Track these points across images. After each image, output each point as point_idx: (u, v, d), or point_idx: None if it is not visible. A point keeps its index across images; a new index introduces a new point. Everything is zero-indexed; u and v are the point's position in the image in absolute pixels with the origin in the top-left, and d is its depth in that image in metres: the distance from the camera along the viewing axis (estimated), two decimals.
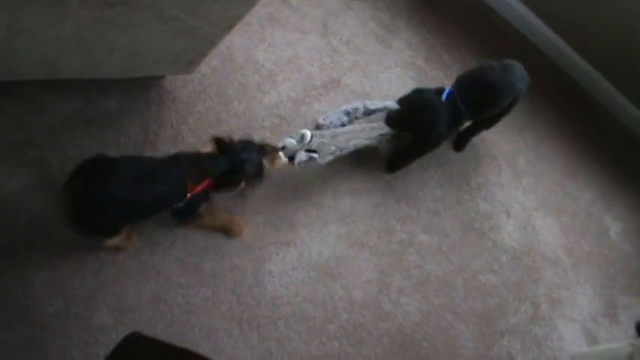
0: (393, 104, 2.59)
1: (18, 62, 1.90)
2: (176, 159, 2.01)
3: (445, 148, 2.99)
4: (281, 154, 2.32)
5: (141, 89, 2.39)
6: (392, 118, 2.53)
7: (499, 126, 3.12)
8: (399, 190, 2.78)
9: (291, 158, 2.34)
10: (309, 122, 2.66)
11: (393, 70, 3.03)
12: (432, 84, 3.06)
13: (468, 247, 2.85)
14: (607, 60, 3.56)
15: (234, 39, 2.65)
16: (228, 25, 1.98)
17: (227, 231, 2.32)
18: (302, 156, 2.32)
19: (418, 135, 2.60)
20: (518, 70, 2.73)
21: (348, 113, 2.60)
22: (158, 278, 2.18)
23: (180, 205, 2.04)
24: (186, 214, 2.15)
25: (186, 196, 2.00)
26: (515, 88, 2.69)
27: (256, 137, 2.38)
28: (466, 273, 2.78)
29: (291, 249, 2.43)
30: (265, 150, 2.24)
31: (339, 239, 2.54)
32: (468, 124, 2.89)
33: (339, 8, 3.02)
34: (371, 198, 2.69)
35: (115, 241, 2.01)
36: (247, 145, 2.18)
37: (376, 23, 3.10)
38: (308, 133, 2.31)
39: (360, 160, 2.71)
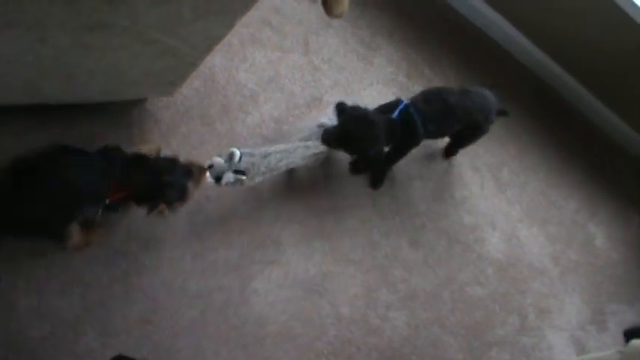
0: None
1: None
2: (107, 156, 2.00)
3: (429, 163, 3.01)
4: (208, 173, 2.24)
5: (123, 112, 2.40)
6: (328, 136, 2.45)
7: (482, 138, 3.15)
8: (384, 205, 2.80)
9: (219, 178, 2.26)
10: (292, 141, 2.66)
11: (374, 87, 3.05)
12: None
13: (453, 260, 2.87)
14: (586, 69, 3.59)
15: (216, 60, 2.67)
16: (209, 46, 1.99)
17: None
18: (229, 177, 2.24)
19: (357, 153, 2.59)
20: (480, 98, 2.71)
21: (321, 126, 2.61)
22: (145, 300, 2.19)
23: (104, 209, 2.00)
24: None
25: (104, 198, 1.95)
26: (469, 114, 2.67)
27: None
28: (453, 286, 2.80)
29: (277, 267, 2.44)
30: (191, 171, 2.16)
31: (324, 256, 2.55)
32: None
33: (319, 27, 3.04)
34: (355, 214, 2.71)
35: (75, 239, 1.99)
36: (172, 165, 2.10)
37: (357, 41, 3.13)
38: (237, 152, 2.24)
39: (343, 176, 2.74)
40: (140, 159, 2.06)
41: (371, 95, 3.00)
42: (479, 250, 2.97)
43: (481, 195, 3.11)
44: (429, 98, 2.61)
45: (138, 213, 2.20)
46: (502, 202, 3.17)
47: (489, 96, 2.75)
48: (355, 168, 2.77)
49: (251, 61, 2.78)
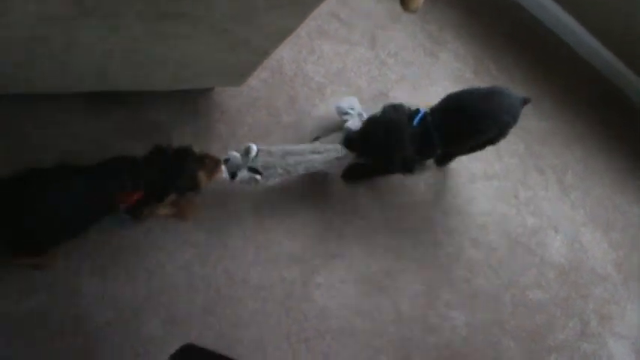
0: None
1: (70, 74, 1.92)
2: (106, 168, 1.90)
3: (493, 161, 2.96)
4: (223, 167, 2.17)
5: (190, 101, 2.41)
6: (352, 141, 2.35)
7: (546, 139, 3.09)
8: (447, 203, 2.77)
9: (234, 174, 2.20)
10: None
11: (441, 83, 3.02)
12: None
13: (515, 262, 2.82)
14: None
15: (284, 51, 2.66)
16: (280, 38, 1.98)
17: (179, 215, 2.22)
18: (244, 175, 2.19)
19: (379, 161, 2.41)
20: (506, 99, 2.44)
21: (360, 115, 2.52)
22: (207, 290, 2.20)
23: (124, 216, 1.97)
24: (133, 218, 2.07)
25: (117, 207, 1.91)
26: (496, 120, 2.43)
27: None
28: (514, 288, 2.76)
29: (340, 261, 2.43)
30: (204, 162, 2.08)
31: (387, 252, 2.53)
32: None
33: (387, 21, 3.01)
34: (418, 211, 2.68)
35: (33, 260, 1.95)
36: (184, 154, 2.02)
37: (424, 36, 3.10)
38: (254, 147, 2.17)
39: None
40: (151, 156, 1.99)
41: (437, 92, 2.94)
42: (541, 253, 2.91)
43: (545, 197, 3.06)
44: (449, 107, 2.42)
45: (203, 204, 2.22)
46: (566, 206, 3.11)
47: (513, 93, 2.49)
48: (349, 175, 2.58)
49: (319, 53, 2.77)
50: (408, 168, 2.39)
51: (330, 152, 2.35)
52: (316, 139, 2.52)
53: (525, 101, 2.52)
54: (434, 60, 3.07)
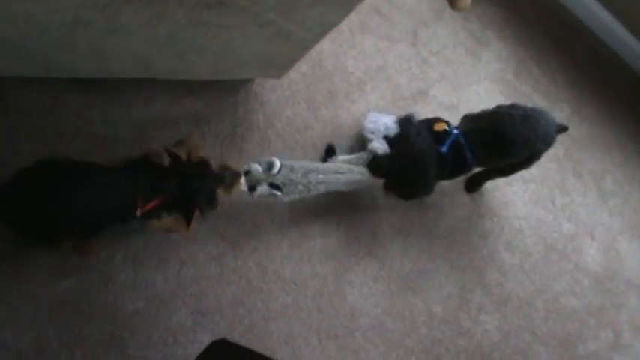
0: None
1: (110, 60, 1.93)
2: (128, 170, 1.85)
3: (531, 168, 2.90)
4: (243, 180, 2.10)
5: (229, 91, 2.41)
6: (376, 166, 2.28)
7: (586, 144, 3.04)
8: (483, 205, 2.74)
9: (253, 188, 2.13)
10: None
11: (482, 83, 2.98)
12: (520, 99, 2.99)
13: (549, 267, 2.79)
14: None
15: (324, 45, 2.64)
16: (323, 32, 1.96)
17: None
18: (264, 189, 2.11)
19: (402, 191, 2.37)
20: (542, 124, 2.34)
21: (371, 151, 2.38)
22: (239, 282, 2.20)
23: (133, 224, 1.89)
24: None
25: (134, 213, 1.82)
26: (529, 146, 2.35)
27: (342, 144, 2.40)
28: (547, 294, 2.72)
29: (373, 260, 2.42)
30: (223, 177, 2.01)
31: (421, 252, 2.52)
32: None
33: (429, 18, 2.98)
34: (455, 212, 2.66)
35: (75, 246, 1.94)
36: (203, 170, 1.96)
37: (466, 34, 3.06)
38: (277, 163, 2.08)
39: None
40: (170, 166, 1.91)
41: (477, 92, 2.93)
42: (576, 260, 2.87)
43: (582, 203, 3.01)
44: (483, 127, 2.34)
45: (239, 198, 2.19)
46: (603, 213, 3.05)
47: (550, 119, 2.41)
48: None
49: (359, 48, 2.74)
50: (428, 193, 2.40)
51: (354, 174, 2.28)
52: (329, 149, 2.49)
53: (561, 129, 2.44)
54: (475, 60, 3.03)
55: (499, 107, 2.41)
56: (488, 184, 2.73)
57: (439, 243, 2.57)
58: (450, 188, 2.68)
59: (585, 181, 3.06)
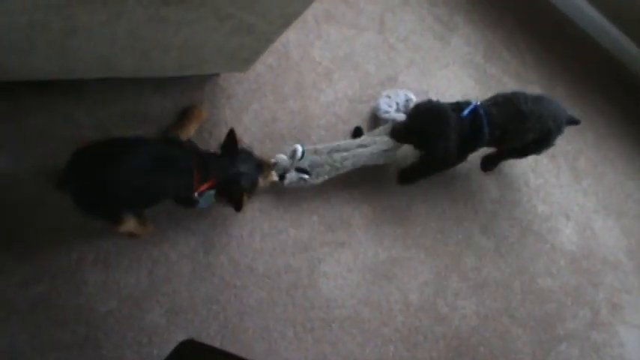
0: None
1: (72, 60, 1.90)
2: (187, 150, 2.03)
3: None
4: (273, 171, 2.27)
5: (195, 87, 2.39)
6: (397, 130, 2.36)
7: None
8: (457, 190, 2.73)
9: (282, 176, 2.28)
10: (365, 120, 2.63)
11: (450, 67, 2.97)
12: (490, 82, 3.00)
13: (525, 249, 2.78)
14: None
15: (290, 36, 2.62)
16: (285, 23, 1.95)
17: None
18: (292, 176, 2.26)
19: (426, 149, 2.43)
20: (554, 105, 2.53)
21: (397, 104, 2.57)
22: (212, 278, 2.19)
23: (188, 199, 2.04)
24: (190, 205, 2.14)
25: (192, 190, 1.98)
26: (542, 122, 2.47)
27: (312, 135, 2.39)
28: (524, 276, 2.72)
29: (347, 250, 2.40)
30: (262, 165, 2.21)
31: (395, 240, 2.50)
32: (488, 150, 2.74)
33: (395, 4, 2.97)
34: (428, 198, 2.65)
35: (128, 226, 1.98)
36: (247, 158, 2.14)
37: (433, 19, 3.04)
38: (300, 148, 2.24)
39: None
40: (232, 140, 2.09)
41: (446, 76, 2.92)
42: (552, 241, 2.87)
43: (556, 184, 3.01)
44: (499, 102, 2.46)
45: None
46: (578, 193, 3.06)
47: (561, 105, 2.58)
48: (404, 177, 2.63)
49: (326, 38, 2.73)
50: (449, 157, 2.42)
51: (378, 145, 2.39)
52: (357, 129, 2.55)
53: (572, 120, 2.62)
54: (443, 44, 3.02)
55: (515, 91, 2.53)
56: (461, 170, 2.73)
57: (413, 230, 2.55)
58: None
59: (558, 162, 3.06)
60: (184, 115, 2.29)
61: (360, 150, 2.36)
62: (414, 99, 2.61)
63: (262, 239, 2.29)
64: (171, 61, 2.08)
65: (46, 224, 2.04)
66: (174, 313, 2.10)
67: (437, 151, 2.33)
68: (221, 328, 2.14)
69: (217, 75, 2.44)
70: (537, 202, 2.92)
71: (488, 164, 2.84)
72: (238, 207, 2.11)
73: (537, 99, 2.49)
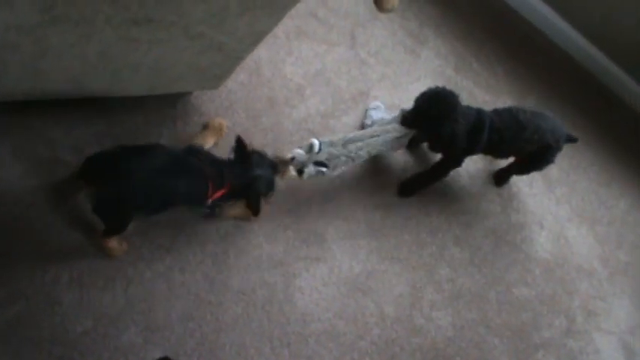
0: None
1: (45, 81, 1.90)
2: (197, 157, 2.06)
3: (476, 162, 2.94)
4: (291, 167, 2.29)
5: (167, 105, 2.39)
6: (407, 117, 2.45)
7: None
8: (430, 202, 2.75)
9: (301, 171, 2.31)
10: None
11: (422, 80, 2.99)
12: (461, 94, 2.97)
13: (500, 259, 2.81)
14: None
15: (262, 52, 2.63)
16: (255, 40, 1.97)
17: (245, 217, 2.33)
18: (311, 170, 2.29)
19: (434, 132, 2.49)
20: (552, 120, 2.66)
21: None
22: (187, 296, 2.18)
23: (206, 209, 2.12)
24: (210, 215, 2.21)
25: (206, 199, 2.02)
26: (539, 134, 2.57)
27: (285, 150, 2.39)
28: (499, 286, 2.74)
29: (322, 264, 2.41)
30: (277, 165, 2.24)
31: (369, 253, 2.51)
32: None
33: (366, 19, 2.99)
34: (401, 211, 2.66)
35: (113, 241, 2.03)
36: (261, 160, 2.18)
37: (404, 33, 3.08)
38: (316, 142, 2.26)
39: (389, 173, 2.70)
40: (241, 147, 2.14)
41: (418, 89, 2.89)
42: (526, 250, 2.90)
43: (529, 193, 3.04)
44: (499, 111, 2.59)
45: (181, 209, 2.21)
46: (551, 201, 3.09)
47: (560, 123, 2.70)
48: (405, 189, 2.70)
49: (297, 54, 2.74)
50: (456, 140, 2.46)
51: (389, 133, 2.44)
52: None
53: (570, 138, 2.74)
54: (414, 58, 3.05)
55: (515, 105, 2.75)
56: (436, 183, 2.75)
57: (387, 243, 2.56)
58: (393, 189, 2.70)
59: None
60: (206, 126, 2.38)
61: (374, 139, 2.41)
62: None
63: (237, 255, 2.29)
64: (142, 80, 2.09)
65: (20, 245, 2.02)
66: (150, 332, 2.09)
67: (444, 133, 2.41)
68: (197, 345, 2.13)
69: (189, 93, 2.44)
70: (511, 211, 2.94)
71: (501, 180, 2.96)
72: (256, 211, 2.19)
73: (536, 113, 2.62)
